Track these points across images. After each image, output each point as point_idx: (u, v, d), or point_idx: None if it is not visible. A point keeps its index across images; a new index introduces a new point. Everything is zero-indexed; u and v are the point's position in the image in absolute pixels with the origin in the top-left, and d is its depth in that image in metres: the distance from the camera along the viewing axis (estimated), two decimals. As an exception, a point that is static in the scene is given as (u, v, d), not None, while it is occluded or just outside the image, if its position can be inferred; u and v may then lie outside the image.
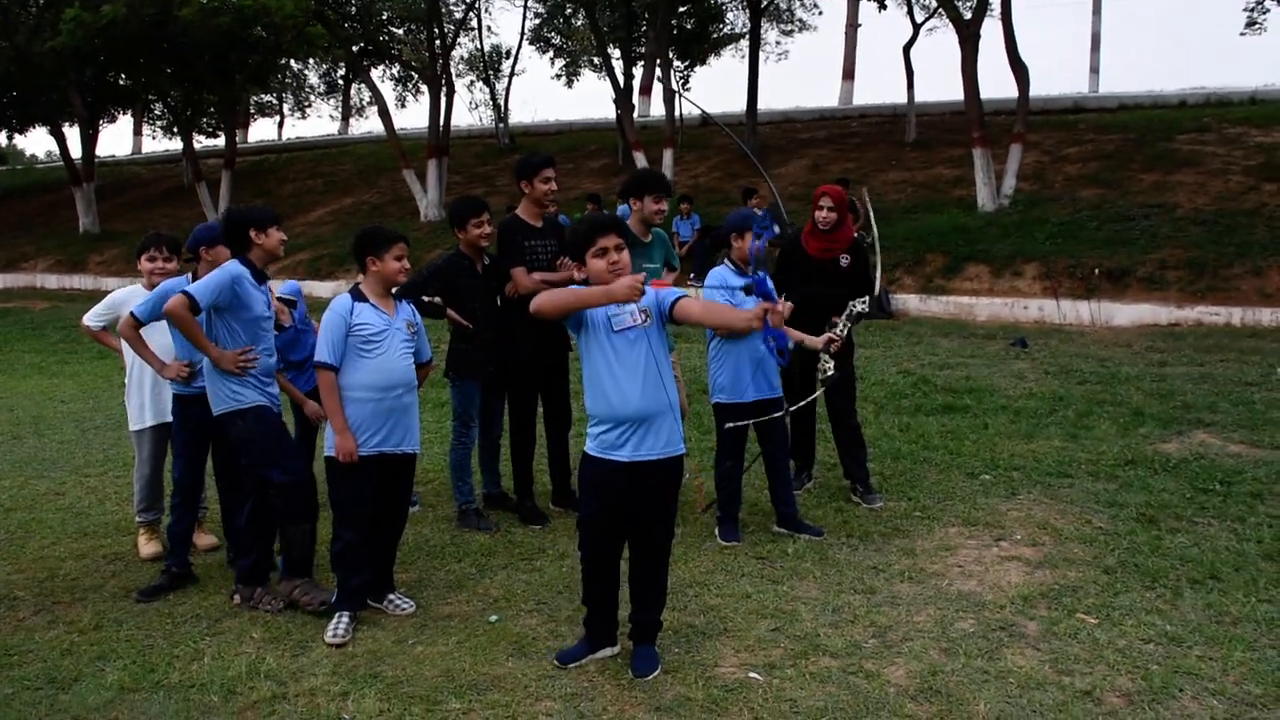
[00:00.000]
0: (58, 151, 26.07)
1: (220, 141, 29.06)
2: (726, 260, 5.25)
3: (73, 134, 26.46)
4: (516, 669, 3.81)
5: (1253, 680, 3.55)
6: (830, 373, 5.40)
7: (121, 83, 26.97)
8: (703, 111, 4.14)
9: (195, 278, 4.73)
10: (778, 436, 5.28)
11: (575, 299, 3.57)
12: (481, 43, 28.51)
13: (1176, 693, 3.49)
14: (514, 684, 3.69)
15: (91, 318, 5.27)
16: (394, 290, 4.48)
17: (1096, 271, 12.86)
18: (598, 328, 3.63)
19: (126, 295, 5.18)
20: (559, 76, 28.77)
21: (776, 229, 3.71)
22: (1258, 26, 18.46)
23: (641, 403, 3.60)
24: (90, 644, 4.14)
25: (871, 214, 5.82)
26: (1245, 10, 18.20)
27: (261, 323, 4.44)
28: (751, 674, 3.72)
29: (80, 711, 3.58)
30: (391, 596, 4.46)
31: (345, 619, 4.20)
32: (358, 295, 4.32)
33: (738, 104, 21.37)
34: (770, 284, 3.59)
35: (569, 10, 26.64)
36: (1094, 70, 26.07)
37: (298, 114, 39.66)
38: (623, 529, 3.80)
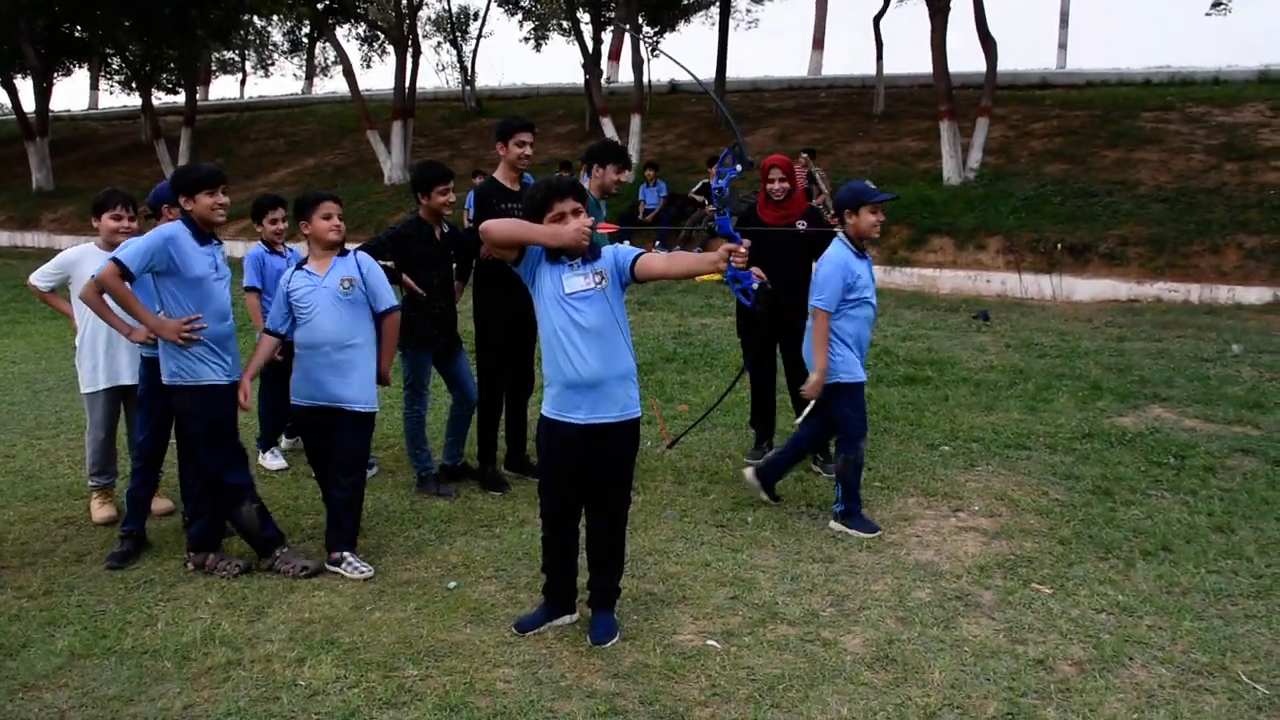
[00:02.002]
0: (9, 104, 25.43)
1: (180, 98, 28.51)
2: (842, 236, 4.89)
3: (25, 86, 25.83)
4: (475, 635, 3.80)
5: (1200, 649, 3.62)
6: None
7: (77, 34, 26.30)
8: (684, 69, 4.09)
9: None
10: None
11: (523, 230, 3.57)
12: (449, 3, 28.24)
13: (1127, 661, 3.55)
14: (472, 650, 3.68)
15: (40, 278, 5.09)
16: (356, 249, 4.64)
17: (1059, 246, 12.98)
18: (547, 294, 3.61)
19: (78, 255, 5.02)
20: (527, 40, 28.45)
21: (739, 167, 3.68)
22: (1222, 7, 18.64)
23: (596, 368, 3.57)
24: (40, 609, 4.07)
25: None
26: (1211, -10, 18.37)
27: (207, 284, 4.26)
28: (710, 641, 3.73)
29: (29, 678, 3.52)
30: (349, 557, 4.43)
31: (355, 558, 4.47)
32: (300, 263, 4.54)
33: (706, 71, 21.23)
34: (731, 225, 3.58)
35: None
36: (1061, 46, 26.10)
37: (260, 72, 39.14)
38: (581, 494, 3.79)
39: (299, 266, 4.54)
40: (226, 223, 4.50)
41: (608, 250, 3.66)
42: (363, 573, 4.37)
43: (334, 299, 4.42)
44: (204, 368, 4.26)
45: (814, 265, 5.20)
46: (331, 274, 4.45)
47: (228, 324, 4.39)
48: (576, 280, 3.59)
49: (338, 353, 4.42)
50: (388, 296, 4.61)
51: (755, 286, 3.56)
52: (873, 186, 4.86)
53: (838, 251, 4.84)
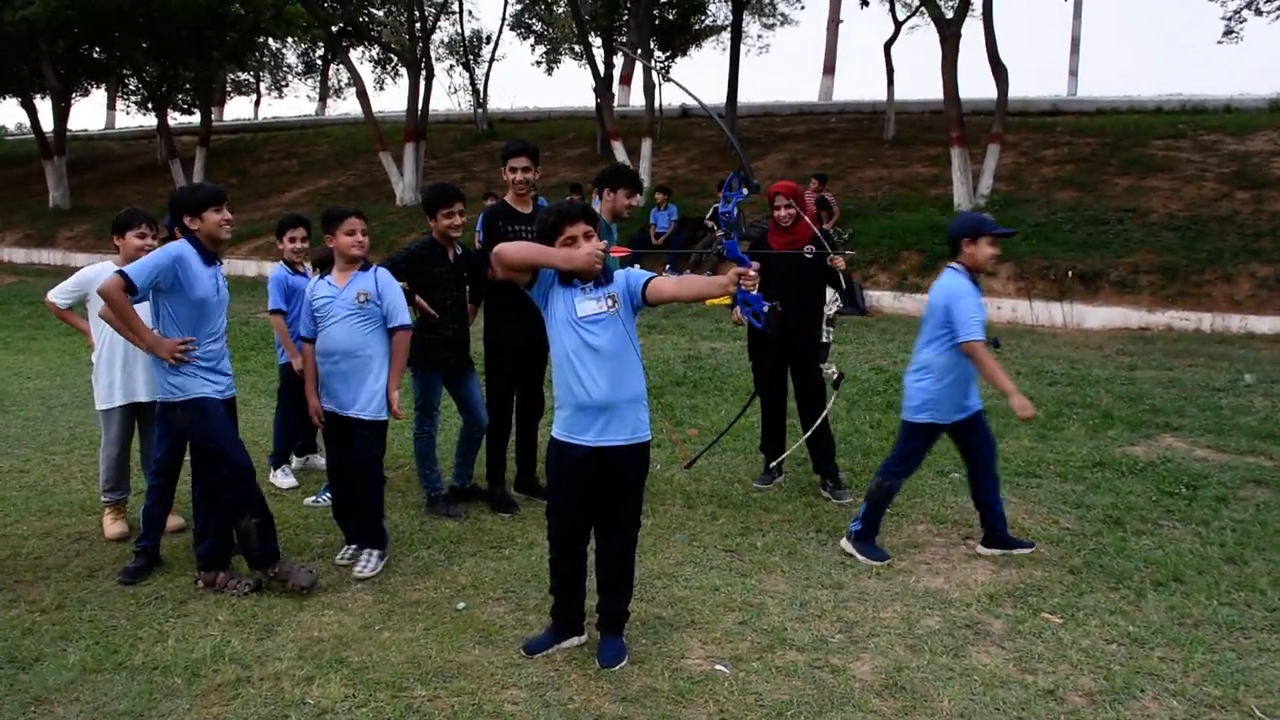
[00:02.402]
0: (28, 123, 25.72)
1: (195, 118, 28.79)
2: (957, 265, 4.72)
3: (44, 106, 26.11)
4: (483, 657, 3.80)
5: (1212, 682, 3.60)
6: (834, 374, 5.42)
7: (95, 55, 26.60)
8: (690, 94, 4.12)
9: None
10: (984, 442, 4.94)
11: (537, 253, 3.60)
12: (462, 27, 28.42)
13: (1138, 693, 3.53)
14: (480, 672, 3.68)
15: (58, 295, 5.16)
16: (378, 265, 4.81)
17: (1070, 274, 12.97)
18: (560, 317, 3.64)
19: (96, 273, 5.05)
20: (539, 63, 28.73)
21: (745, 190, 3.69)
22: (1234, 36, 18.71)
23: (606, 390, 3.59)
24: (52, 624, 4.09)
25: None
26: (1223, 19, 18.47)
27: (207, 306, 4.30)
28: (718, 666, 3.73)
29: (41, 692, 3.54)
30: (365, 555, 4.65)
31: (374, 557, 4.68)
32: (326, 272, 4.75)
33: (718, 96, 21.36)
34: (739, 249, 3.59)
35: (551, -3, 26.57)
36: (1073, 73, 26.22)
37: (275, 93, 39.34)
38: (589, 517, 3.80)
39: (322, 276, 4.75)
40: (238, 242, 4.57)
41: (620, 274, 3.68)
42: (371, 570, 4.59)
43: (348, 311, 4.59)
44: (197, 382, 4.29)
45: (928, 302, 4.84)
46: (350, 287, 4.62)
47: (221, 344, 4.43)
48: (589, 304, 3.61)
49: (347, 362, 4.60)
50: (401, 314, 4.71)
51: (766, 309, 3.57)
52: (991, 219, 4.76)
53: (958, 281, 4.64)
